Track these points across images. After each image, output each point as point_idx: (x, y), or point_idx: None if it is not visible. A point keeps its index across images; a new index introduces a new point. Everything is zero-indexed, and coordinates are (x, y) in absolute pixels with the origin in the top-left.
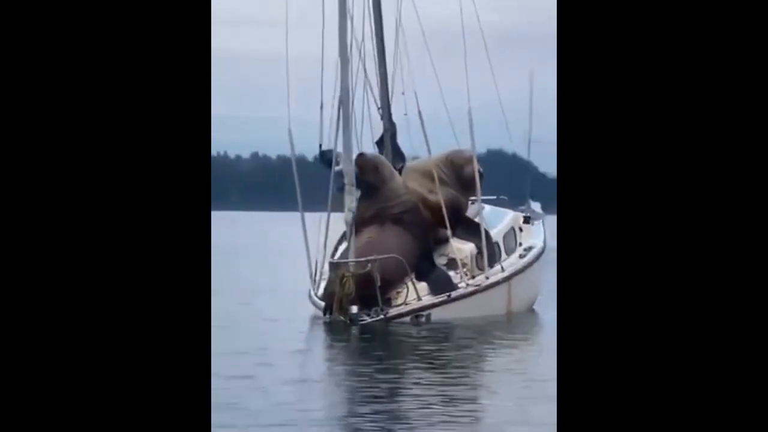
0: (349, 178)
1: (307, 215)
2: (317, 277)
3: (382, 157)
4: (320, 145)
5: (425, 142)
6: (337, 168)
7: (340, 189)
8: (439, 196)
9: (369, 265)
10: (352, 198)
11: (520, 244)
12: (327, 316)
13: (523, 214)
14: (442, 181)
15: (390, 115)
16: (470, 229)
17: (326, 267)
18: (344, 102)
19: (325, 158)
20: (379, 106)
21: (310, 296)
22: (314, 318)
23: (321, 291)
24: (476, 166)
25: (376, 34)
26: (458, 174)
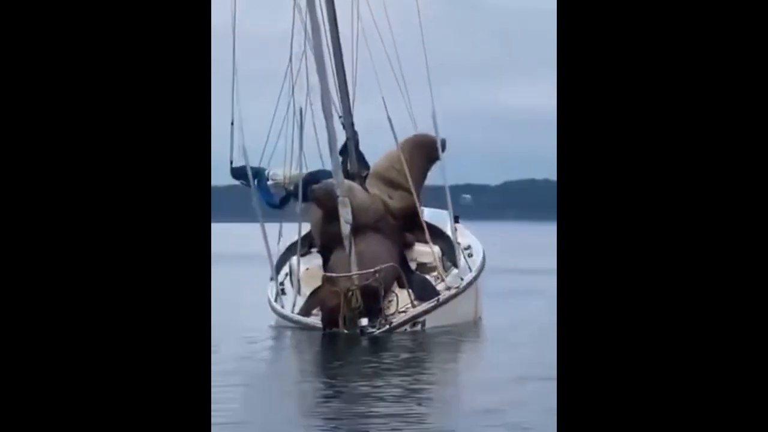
0: (342, 191)
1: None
2: (280, 288)
3: (331, 182)
4: (231, 162)
5: (396, 146)
6: (270, 182)
7: (274, 205)
8: (417, 201)
9: (375, 275)
10: (347, 210)
11: (459, 244)
12: (327, 330)
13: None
14: (400, 186)
15: (352, 122)
16: (432, 231)
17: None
18: (327, 114)
19: (239, 174)
20: (341, 114)
21: (272, 306)
22: (282, 328)
23: (292, 304)
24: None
25: (332, 38)
26: (429, 156)
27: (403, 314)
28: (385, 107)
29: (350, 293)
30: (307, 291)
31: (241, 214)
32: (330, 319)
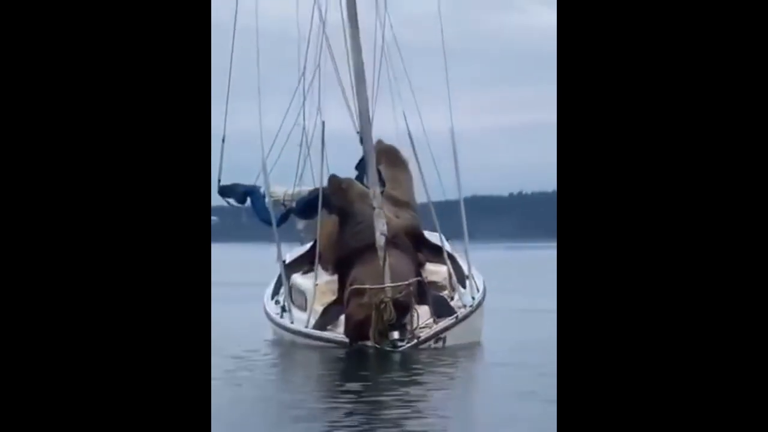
0: (377, 201)
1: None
2: (281, 307)
3: (353, 180)
4: (219, 180)
5: (416, 163)
6: (268, 200)
7: (271, 223)
8: (431, 220)
9: (409, 287)
10: (383, 221)
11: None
12: (354, 344)
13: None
14: (405, 204)
15: (371, 138)
16: (435, 251)
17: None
18: (364, 130)
19: (233, 192)
20: (358, 129)
21: (277, 322)
22: (283, 342)
23: (306, 320)
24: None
25: (354, 50)
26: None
27: (427, 329)
28: (406, 122)
29: (383, 305)
30: (317, 307)
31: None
32: (358, 333)
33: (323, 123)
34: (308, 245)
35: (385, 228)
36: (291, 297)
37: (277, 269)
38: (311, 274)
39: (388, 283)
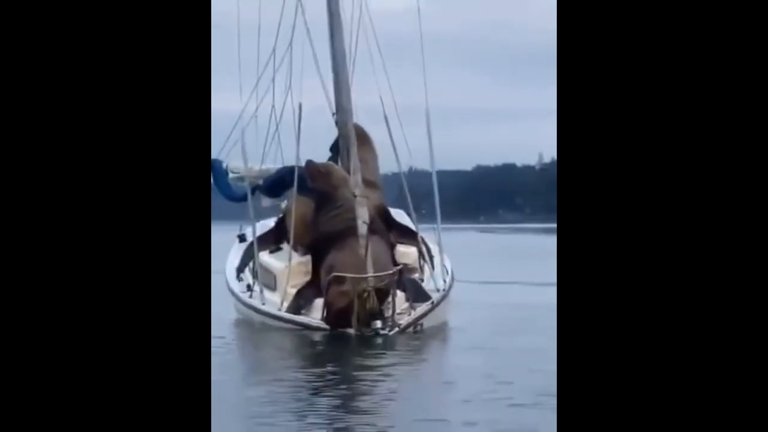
0: (360, 190)
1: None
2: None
3: (333, 164)
4: None
5: (392, 146)
6: (232, 176)
7: (235, 198)
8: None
9: (392, 276)
10: (365, 209)
11: (429, 245)
12: (333, 330)
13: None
14: (373, 184)
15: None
16: (403, 231)
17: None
18: (345, 111)
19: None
20: (334, 111)
21: (245, 302)
22: (246, 323)
23: (280, 301)
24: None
25: (333, 33)
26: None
27: (407, 316)
28: (382, 103)
29: (366, 294)
30: (289, 288)
31: None
32: (339, 320)
33: (300, 105)
34: (271, 222)
35: (367, 217)
36: (256, 275)
37: (235, 247)
38: (279, 254)
39: (370, 273)
